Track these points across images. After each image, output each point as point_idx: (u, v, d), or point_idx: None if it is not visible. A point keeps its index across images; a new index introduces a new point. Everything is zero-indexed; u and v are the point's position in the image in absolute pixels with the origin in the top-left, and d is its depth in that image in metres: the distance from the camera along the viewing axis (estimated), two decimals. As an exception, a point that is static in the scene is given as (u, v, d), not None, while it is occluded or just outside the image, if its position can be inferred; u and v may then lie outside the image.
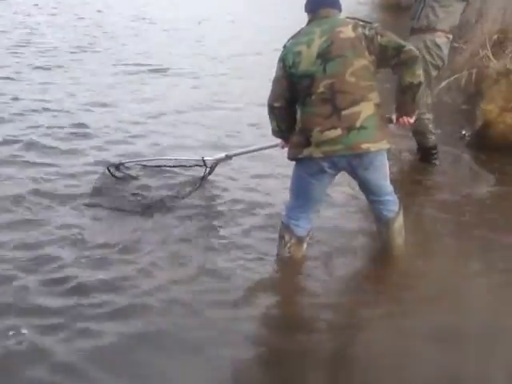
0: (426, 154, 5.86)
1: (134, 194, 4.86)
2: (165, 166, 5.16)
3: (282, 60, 3.63)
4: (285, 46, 3.67)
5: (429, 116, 5.66)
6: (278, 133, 3.88)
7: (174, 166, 5.15)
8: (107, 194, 4.82)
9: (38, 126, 6.51)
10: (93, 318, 3.34)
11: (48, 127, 6.47)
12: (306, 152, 3.57)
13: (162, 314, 3.42)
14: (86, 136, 6.28)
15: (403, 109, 3.70)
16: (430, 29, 5.42)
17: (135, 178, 5.12)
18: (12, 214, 4.50)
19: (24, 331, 3.17)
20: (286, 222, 3.89)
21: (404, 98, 3.63)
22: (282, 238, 3.92)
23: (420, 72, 3.55)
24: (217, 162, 5.07)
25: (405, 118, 3.73)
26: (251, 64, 9.91)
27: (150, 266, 3.90)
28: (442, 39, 5.43)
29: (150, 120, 6.96)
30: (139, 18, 14.53)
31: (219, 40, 12.10)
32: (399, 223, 3.92)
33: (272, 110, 3.75)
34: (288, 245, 3.90)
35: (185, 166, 5.14)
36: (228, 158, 5.09)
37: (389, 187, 3.81)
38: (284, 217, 3.91)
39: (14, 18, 13.45)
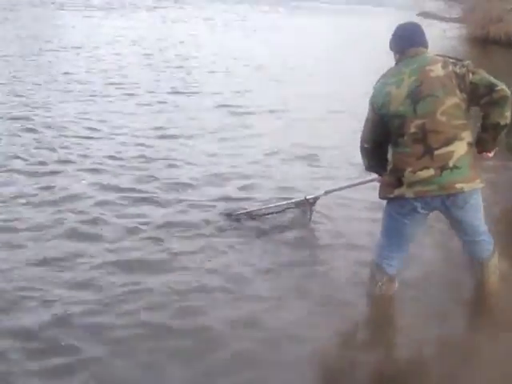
0: None
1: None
2: (273, 212, 5.29)
3: (371, 102, 3.63)
4: (374, 88, 3.66)
5: None
6: (370, 168, 3.90)
7: (281, 211, 5.28)
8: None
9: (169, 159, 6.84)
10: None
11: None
12: (397, 192, 3.56)
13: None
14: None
15: (484, 146, 3.62)
16: None
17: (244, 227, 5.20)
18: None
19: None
20: (377, 260, 3.84)
21: (487, 136, 3.56)
22: (373, 276, 3.89)
23: (509, 113, 3.46)
24: (316, 199, 5.23)
25: (484, 153, 3.66)
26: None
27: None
28: None
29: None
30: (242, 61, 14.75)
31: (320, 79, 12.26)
32: (494, 262, 3.83)
33: (362, 149, 3.78)
34: (380, 283, 3.85)
35: (291, 208, 5.30)
36: (326, 194, 5.22)
37: (483, 226, 3.72)
38: (375, 255, 3.87)
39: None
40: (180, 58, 14.10)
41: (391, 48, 3.75)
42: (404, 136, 3.48)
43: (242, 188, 6.04)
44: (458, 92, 3.43)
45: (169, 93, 10.36)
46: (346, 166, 6.65)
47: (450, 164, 3.41)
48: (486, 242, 3.75)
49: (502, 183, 5.94)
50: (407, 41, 3.64)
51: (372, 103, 3.62)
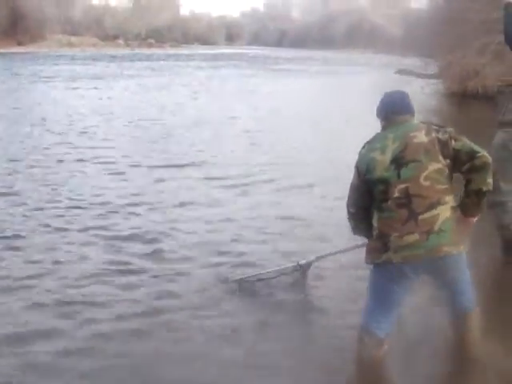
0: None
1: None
2: (267, 278, 5.28)
3: (357, 167, 3.69)
4: (359, 153, 3.72)
5: None
6: (358, 232, 3.91)
7: (275, 277, 5.27)
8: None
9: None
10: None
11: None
12: (384, 257, 3.55)
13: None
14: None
15: (468, 211, 3.63)
16: None
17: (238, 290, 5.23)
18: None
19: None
20: (365, 325, 3.76)
21: (470, 201, 3.59)
22: (361, 340, 3.80)
23: (490, 180, 3.53)
24: (309, 265, 5.29)
25: (469, 218, 3.66)
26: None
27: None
28: None
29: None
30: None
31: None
32: (476, 316, 3.79)
33: (350, 214, 3.82)
34: (368, 347, 3.76)
35: (285, 274, 5.29)
36: (318, 259, 5.29)
37: (469, 284, 3.71)
38: (363, 320, 3.79)
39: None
40: (167, 127, 14.09)
41: (377, 115, 3.82)
42: (388, 201, 3.53)
43: (236, 254, 6.01)
44: (441, 158, 3.50)
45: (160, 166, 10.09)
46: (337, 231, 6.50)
47: (436, 228, 3.45)
48: (470, 296, 3.74)
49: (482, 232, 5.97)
50: (393, 108, 3.72)
51: (357, 168, 3.69)
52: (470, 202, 3.59)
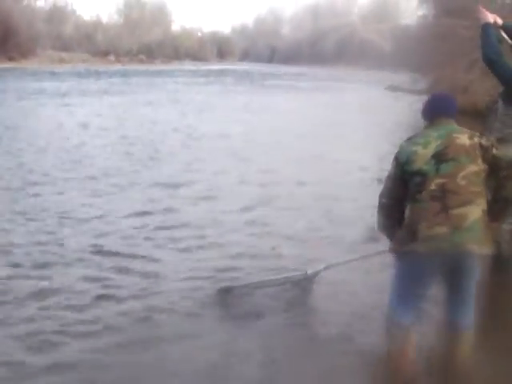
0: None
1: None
2: (273, 285, 5.30)
3: (396, 158, 3.82)
4: (401, 145, 3.85)
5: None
6: (383, 228, 4.01)
7: (281, 284, 5.30)
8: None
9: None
10: None
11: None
12: (411, 247, 3.62)
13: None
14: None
15: (495, 216, 3.78)
16: None
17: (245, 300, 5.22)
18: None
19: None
20: (391, 317, 3.83)
21: (499, 207, 3.79)
22: (389, 331, 3.88)
23: None
24: (317, 274, 5.29)
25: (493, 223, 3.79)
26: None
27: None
28: None
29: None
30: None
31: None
32: (471, 334, 3.82)
33: (381, 205, 3.91)
34: (397, 338, 3.81)
35: (292, 281, 5.30)
36: (327, 268, 5.29)
37: (473, 297, 3.77)
38: (388, 311, 3.87)
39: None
40: (157, 146, 13.88)
41: (422, 116, 4.01)
42: (423, 192, 3.62)
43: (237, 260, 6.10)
44: (480, 162, 3.65)
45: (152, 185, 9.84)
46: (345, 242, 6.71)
47: (464, 225, 3.53)
48: (470, 313, 3.77)
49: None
50: (438, 110, 3.90)
51: (396, 159, 3.81)
52: (498, 207, 3.78)
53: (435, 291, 3.89)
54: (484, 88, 17.72)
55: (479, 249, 3.55)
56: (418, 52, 28.42)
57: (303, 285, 5.25)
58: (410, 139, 3.85)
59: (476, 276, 3.68)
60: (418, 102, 21.36)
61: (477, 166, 3.63)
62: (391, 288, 3.87)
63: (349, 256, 5.58)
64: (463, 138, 3.68)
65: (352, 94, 33.58)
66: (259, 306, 5.06)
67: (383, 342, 3.97)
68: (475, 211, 3.56)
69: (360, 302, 5.15)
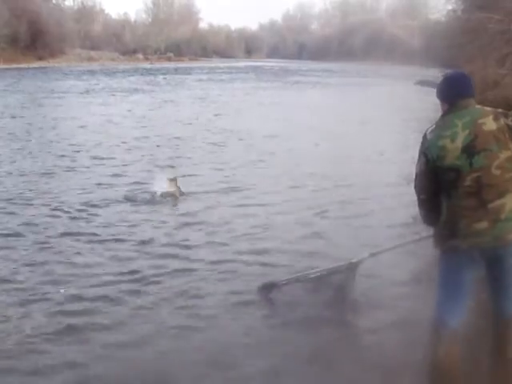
0: None
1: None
2: (316, 278, 5.25)
3: (425, 154, 3.65)
4: (425, 138, 3.68)
5: None
6: (428, 221, 3.87)
7: (325, 276, 5.24)
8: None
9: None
10: None
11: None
12: (452, 244, 3.59)
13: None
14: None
15: None
16: None
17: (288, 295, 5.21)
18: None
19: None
20: (438, 315, 3.75)
21: None
22: (436, 332, 3.76)
23: None
24: (360, 263, 5.20)
25: None
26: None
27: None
28: None
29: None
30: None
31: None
32: None
33: (421, 201, 3.78)
34: (444, 338, 3.71)
35: (336, 272, 5.22)
36: (372, 256, 5.21)
37: None
38: (436, 311, 3.77)
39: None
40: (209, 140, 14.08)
41: (439, 97, 3.81)
42: (458, 188, 3.54)
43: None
44: (511, 145, 3.53)
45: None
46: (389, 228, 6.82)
47: (503, 216, 3.48)
48: None
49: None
50: (457, 91, 3.69)
51: (426, 155, 3.64)
52: None
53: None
54: (516, 82, 17.44)
55: None
56: (447, 47, 28.12)
57: (347, 274, 5.17)
58: (434, 131, 3.66)
59: None
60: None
61: (508, 151, 3.52)
62: (438, 288, 3.80)
63: (392, 243, 5.52)
64: (489, 123, 3.53)
65: (381, 89, 33.37)
66: (303, 301, 5.09)
67: (429, 343, 3.87)
68: (511, 199, 3.49)
69: (403, 292, 5.18)
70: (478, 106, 3.68)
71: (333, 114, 20.25)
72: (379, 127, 16.59)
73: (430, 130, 3.70)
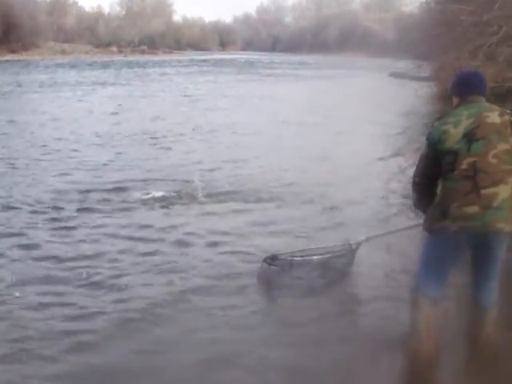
0: None
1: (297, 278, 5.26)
2: (315, 254, 5.39)
3: (428, 138, 3.83)
4: (432, 126, 3.87)
5: None
6: (418, 205, 4.08)
7: (324, 254, 5.38)
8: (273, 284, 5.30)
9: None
10: None
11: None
12: (441, 224, 3.68)
13: None
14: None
15: None
16: None
17: (290, 267, 5.35)
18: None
19: None
20: (417, 288, 3.87)
21: None
22: (415, 301, 3.88)
23: None
24: (359, 245, 5.34)
25: None
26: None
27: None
28: None
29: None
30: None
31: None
32: (495, 314, 3.89)
33: (414, 184, 3.98)
34: (423, 306, 3.82)
35: (334, 252, 5.37)
36: (368, 240, 5.35)
37: (498, 273, 3.84)
38: (415, 283, 3.90)
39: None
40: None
41: (452, 92, 4.02)
42: (454, 171, 3.65)
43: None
44: (511, 140, 3.65)
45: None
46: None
47: (494, 204, 3.56)
48: (495, 289, 3.86)
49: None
50: (468, 88, 3.89)
51: (428, 139, 3.82)
52: None
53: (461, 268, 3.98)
54: (488, 74, 17.60)
55: (507, 227, 3.58)
56: (421, 39, 28.26)
57: (347, 256, 5.33)
58: (441, 118, 3.86)
59: (502, 253, 3.73)
60: (422, 89, 21.47)
61: (508, 145, 3.63)
62: (420, 262, 3.92)
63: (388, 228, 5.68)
64: (494, 117, 3.69)
65: (355, 81, 33.53)
66: (303, 279, 5.23)
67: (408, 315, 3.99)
68: (505, 190, 3.58)
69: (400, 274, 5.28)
70: (487, 103, 3.85)
71: (307, 106, 20.25)
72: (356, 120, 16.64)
73: (438, 119, 3.88)
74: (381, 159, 10.68)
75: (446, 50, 21.87)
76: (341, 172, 9.58)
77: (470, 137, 3.64)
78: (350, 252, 5.33)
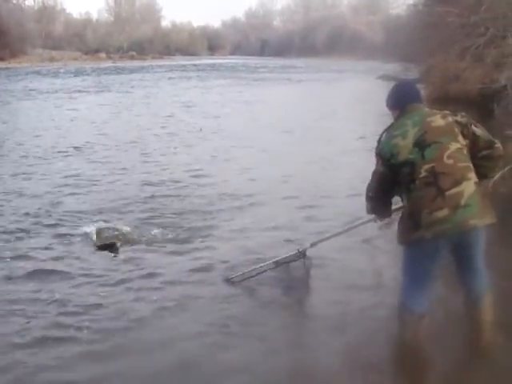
0: None
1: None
2: (268, 269, 5.33)
3: (379, 154, 3.87)
4: (379, 141, 3.92)
5: None
6: (373, 211, 4.17)
7: (276, 267, 5.32)
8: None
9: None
10: None
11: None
12: (417, 235, 3.70)
13: None
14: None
15: None
16: None
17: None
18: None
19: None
20: (403, 302, 3.92)
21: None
22: (401, 316, 3.96)
23: (497, 169, 4.12)
24: (304, 252, 5.26)
25: None
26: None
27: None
28: None
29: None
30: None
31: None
32: (490, 300, 3.95)
33: (367, 197, 4.05)
34: (410, 322, 3.91)
35: (287, 262, 5.30)
36: (312, 246, 5.26)
37: (483, 261, 3.89)
38: (400, 297, 3.94)
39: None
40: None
41: (389, 105, 4.07)
42: (416, 181, 3.69)
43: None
44: (460, 138, 3.73)
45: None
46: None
47: (462, 203, 3.61)
48: (485, 275, 3.91)
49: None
50: (407, 97, 3.97)
51: (380, 156, 3.86)
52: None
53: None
54: (475, 75, 17.68)
55: (481, 222, 3.64)
56: (409, 41, 28.40)
57: (297, 263, 5.27)
58: (387, 132, 3.89)
59: (483, 245, 3.78)
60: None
61: (458, 143, 3.70)
62: (403, 275, 3.94)
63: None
64: (437, 120, 3.76)
65: (344, 84, 33.57)
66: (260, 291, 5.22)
67: (395, 328, 4.05)
68: (469, 186, 3.64)
69: (351, 275, 5.36)
70: (427, 109, 3.93)
71: (296, 109, 20.28)
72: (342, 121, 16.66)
73: (383, 133, 3.92)
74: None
75: (433, 52, 22.02)
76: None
77: (420, 144, 3.69)
78: (301, 258, 5.26)
